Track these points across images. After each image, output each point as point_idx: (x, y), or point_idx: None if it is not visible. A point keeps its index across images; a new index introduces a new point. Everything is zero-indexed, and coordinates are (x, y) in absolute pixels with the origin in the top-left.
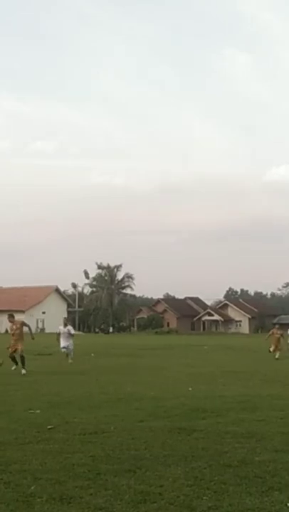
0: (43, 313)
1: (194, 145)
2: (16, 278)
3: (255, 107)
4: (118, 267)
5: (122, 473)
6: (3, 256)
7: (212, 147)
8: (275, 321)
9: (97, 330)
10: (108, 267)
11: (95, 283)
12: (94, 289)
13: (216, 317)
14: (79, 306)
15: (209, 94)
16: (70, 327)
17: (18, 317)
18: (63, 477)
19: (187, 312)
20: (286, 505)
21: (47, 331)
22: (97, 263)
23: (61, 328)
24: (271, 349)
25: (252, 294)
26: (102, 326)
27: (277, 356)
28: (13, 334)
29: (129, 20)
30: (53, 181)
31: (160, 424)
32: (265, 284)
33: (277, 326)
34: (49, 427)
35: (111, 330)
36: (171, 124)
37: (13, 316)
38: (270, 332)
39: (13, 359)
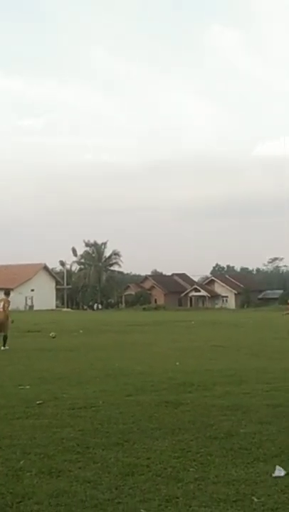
0: (32, 290)
1: (184, 121)
2: (3, 255)
3: (245, 82)
4: (105, 244)
5: (110, 446)
6: None
7: (202, 123)
8: (260, 296)
9: (85, 307)
10: (95, 244)
11: (82, 260)
12: (82, 267)
13: (203, 293)
14: (67, 284)
15: (199, 71)
16: None
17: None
18: (52, 451)
19: (174, 288)
20: (271, 475)
21: (36, 308)
22: (84, 240)
23: None
24: None
25: (238, 269)
26: (91, 303)
27: None
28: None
29: None
30: (41, 159)
31: (148, 398)
32: (251, 259)
33: None
34: (38, 402)
35: (100, 307)
36: (161, 101)
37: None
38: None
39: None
